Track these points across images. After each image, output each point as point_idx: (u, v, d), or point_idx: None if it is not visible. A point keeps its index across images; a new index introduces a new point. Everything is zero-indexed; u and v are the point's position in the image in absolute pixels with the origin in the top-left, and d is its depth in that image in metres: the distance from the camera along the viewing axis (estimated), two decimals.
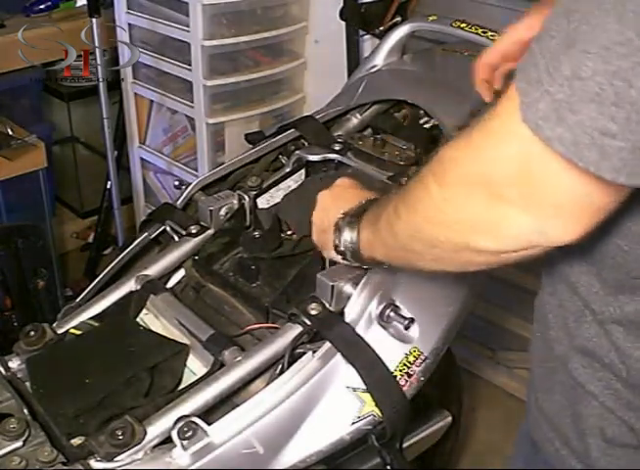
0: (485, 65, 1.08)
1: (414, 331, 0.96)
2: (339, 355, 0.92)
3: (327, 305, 0.96)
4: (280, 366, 0.92)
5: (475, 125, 0.62)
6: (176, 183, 1.30)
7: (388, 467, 0.97)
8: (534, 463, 0.88)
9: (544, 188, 0.58)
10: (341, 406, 0.91)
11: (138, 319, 1.04)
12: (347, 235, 0.87)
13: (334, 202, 0.94)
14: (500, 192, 0.60)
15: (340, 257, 0.91)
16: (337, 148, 1.27)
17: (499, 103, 0.60)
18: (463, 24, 1.34)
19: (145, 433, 0.84)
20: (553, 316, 0.81)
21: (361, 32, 1.86)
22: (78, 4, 2.22)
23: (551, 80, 0.53)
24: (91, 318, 1.04)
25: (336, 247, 0.89)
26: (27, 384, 0.94)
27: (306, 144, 1.31)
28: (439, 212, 0.67)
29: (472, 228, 0.64)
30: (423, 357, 0.96)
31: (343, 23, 1.83)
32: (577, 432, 0.79)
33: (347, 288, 0.96)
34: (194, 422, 0.84)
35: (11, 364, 0.96)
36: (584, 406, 0.78)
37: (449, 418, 1.37)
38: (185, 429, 0.83)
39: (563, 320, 0.79)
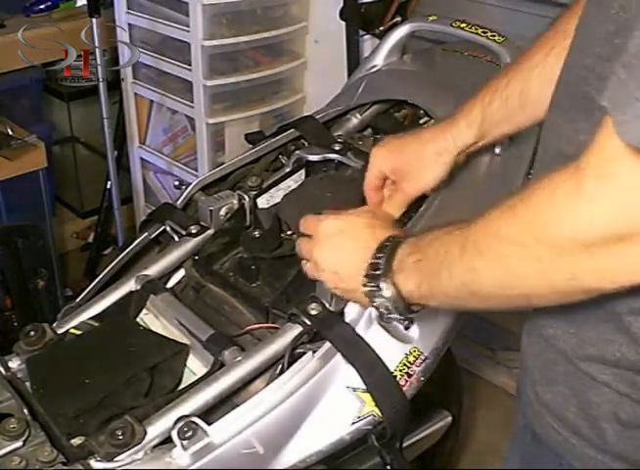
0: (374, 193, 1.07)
1: (414, 331, 0.96)
2: (339, 355, 0.92)
3: (327, 305, 0.96)
4: (280, 366, 0.92)
5: (577, 171, 0.58)
6: (176, 183, 1.30)
7: (388, 467, 0.97)
8: (537, 456, 0.87)
9: None
10: (341, 406, 0.91)
11: (138, 319, 1.04)
12: (387, 294, 0.79)
13: (338, 260, 0.86)
14: (627, 233, 0.56)
15: (385, 313, 0.83)
16: (337, 148, 1.27)
17: (601, 145, 0.56)
18: (463, 24, 1.34)
19: (145, 433, 0.84)
20: (550, 313, 0.80)
21: (361, 32, 1.86)
22: (78, 4, 2.22)
23: None
24: (91, 318, 1.04)
25: (376, 306, 0.82)
26: (27, 384, 0.94)
27: (306, 144, 1.31)
28: (549, 272, 0.63)
29: (593, 277, 0.61)
30: (423, 357, 0.96)
31: (343, 23, 1.83)
32: (588, 419, 0.77)
33: None
34: (194, 422, 0.84)
35: (11, 364, 0.96)
36: (594, 394, 0.76)
37: (449, 418, 1.37)
38: (185, 429, 0.83)
39: (563, 316, 0.78)
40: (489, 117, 0.98)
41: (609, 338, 0.74)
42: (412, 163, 1.03)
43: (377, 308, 0.82)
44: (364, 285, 0.81)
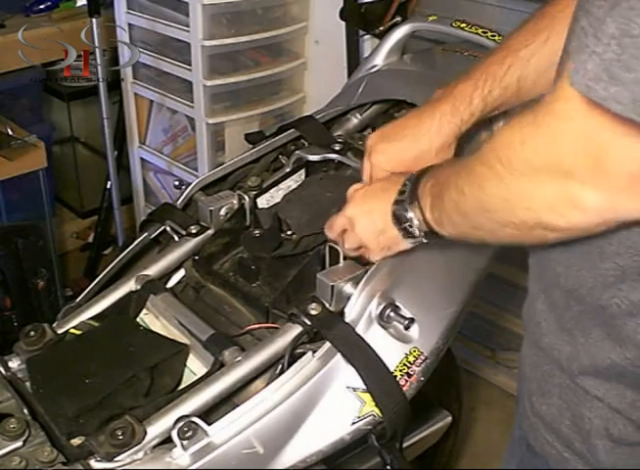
0: None
1: (414, 331, 0.97)
2: (339, 355, 0.92)
3: (327, 305, 0.96)
4: (280, 366, 0.92)
5: (535, 107, 0.63)
6: (176, 183, 1.30)
7: (388, 467, 0.97)
8: (532, 467, 0.87)
9: (610, 158, 0.57)
10: (341, 406, 0.91)
11: (138, 319, 1.04)
12: (415, 219, 0.85)
13: (369, 202, 0.92)
14: (569, 170, 0.60)
15: (414, 242, 0.89)
16: (337, 148, 1.27)
17: (557, 84, 0.60)
18: (463, 24, 1.34)
19: (145, 433, 0.84)
20: (546, 323, 0.81)
21: (361, 32, 1.86)
22: (78, 4, 2.22)
23: (597, 41, 0.53)
24: (91, 318, 1.04)
25: (409, 235, 0.87)
26: (27, 384, 0.94)
27: (306, 144, 1.31)
28: (510, 196, 0.67)
29: (544, 209, 0.65)
30: (423, 357, 0.96)
31: (343, 23, 1.83)
32: (580, 434, 0.78)
33: (347, 288, 0.96)
34: (194, 422, 0.84)
35: (11, 364, 0.96)
36: (587, 409, 0.77)
37: (449, 418, 1.37)
38: (185, 429, 0.83)
39: (558, 326, 0.79)
40: (489, 105, 0.99)
41: (599, 343, 0.74)
42: (416, 157, 1.01)
43: (408, 236, 0.87)
44: (393, 213, 0.87)
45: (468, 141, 1.08)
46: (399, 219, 0.87)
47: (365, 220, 0.93)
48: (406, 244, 0.90)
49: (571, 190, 0.61)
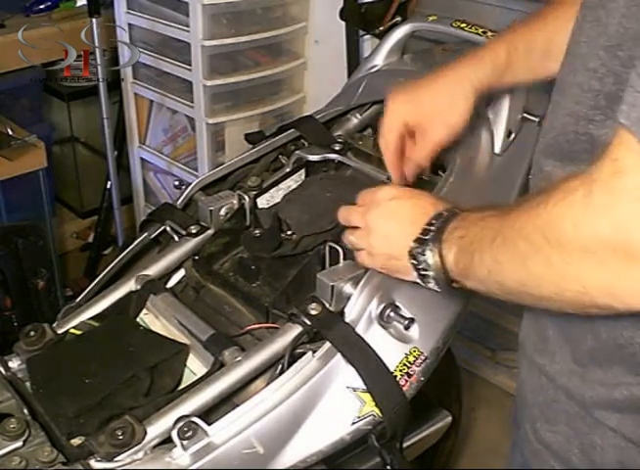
0: (394, 147, 1.03)
1: (414, 331, 0.96)
2: (339, 355, 0.92)
3: (327, 305, 0.96)
4: (280, 366, 0.92)
5: (588, 181, 0.58)
6: (176, 183, 1.30)
7: (388, 467, 0.97)
8: None
9: None
10: (341, 406, 0.91)
11: (138, 319, 1.04)
12: (432, 265, 0.79)
13: (392, 224, 0.85)
14: (633, 251, 0.55)
15: (423, 282, 0.82)
16: (337, 148, 1.27)
17: (613, 158, 0.56)
18: (463, 24, 1.34)
19: (145, 433, 0.84)
20: (561, 353, 0.78)
21: (361, 32, 1.86)
22: (78, 4, 2.22)
23: None
24: (91, 318, 1.04)
25: (421, 275, 0.81)
26: (27, 384, 0.94)
27: (306, 144, 1.31)
28: (559, 279, 0.62)
29: (600, 294, 0.59)
30: (423, 357, 0.96)
31: (343, 23, 1.83)
32: (591, 464, 0.74)
33: (347, 288, 0.96)
34: (194, 422, 0.84)
35: (11, 364, 0.96)
36: (598, 437, 0.73)
37: (449, 418, 1.37)
38: (185, 429, 0.83)
39: (572, 359, 0.76)
40: (514, 62, 0.96)
41: (619, 378, 0.71)
42: (436, 106, 0.98)
43: (420, 277, 0.81)
44: (410, 251, 0.80)
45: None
46: (416, 259, 0.80)
47: (382, 239, 0.87)
48: (412, 278, 0.84)
49: (632, 274, 0.56)
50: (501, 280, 0.70)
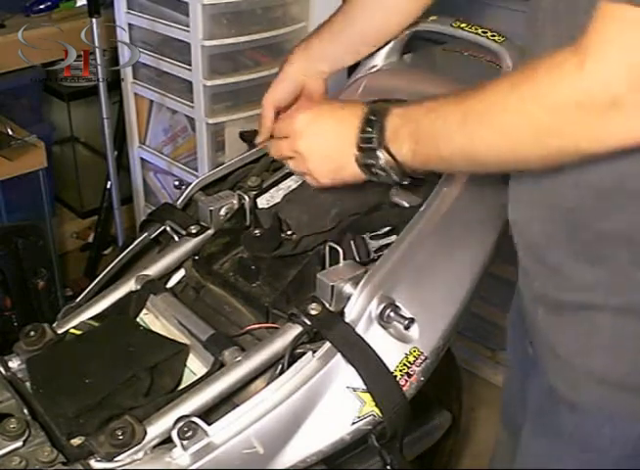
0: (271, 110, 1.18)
1: (414, 331, 0.96)
2: (339, 355, 0.92)
3: (327, 305, 0.96)
4: (280, 366, 0.92)
5: (578, 51, 0.66)
6: (176, 183, 1.30)
7: (388, 467, 0.97)
8: (579, 428, 0.87)
9: None
10: (341, 406, 0.91)
11: (138, 319, 1.04)
12: (383, 162, 0.86)
13: (324, 140, 0.92)
14: (615, 102, 0.65)
15: (378, 179, 0.91)
16: None
17: (598, 29, 0.65)
18: (463, 25, 1.34)
19: (145, 433, 0.84)
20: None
21: None
22: (78, 4, 2.22)
23: None
24: (91, 318, 1.04)
25: (376, 176, 0.89)
26: (27, 384, 0.94)
27: None
28: (548, 138, 0.70)
29: (589, 141, 0.69)
30: (423, 357, 0.96)
31: None
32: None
33: (347, 288, 0.96)
34: (194, 422, 0.84)
35: (11, 364, 0.96)
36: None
37: (449, 418, 1.37)
38: (185, 429, 0.83)
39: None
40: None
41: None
42: None
43: (374, 176, 0.90)
44: (358, 159, 0.88)
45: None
46: (366, 165, 0.88)
47: (321, 160, 0.93)
48: (365, 179, 0.92)
49: (616, 120, 0.66)
50: (475, 155, 0.78)
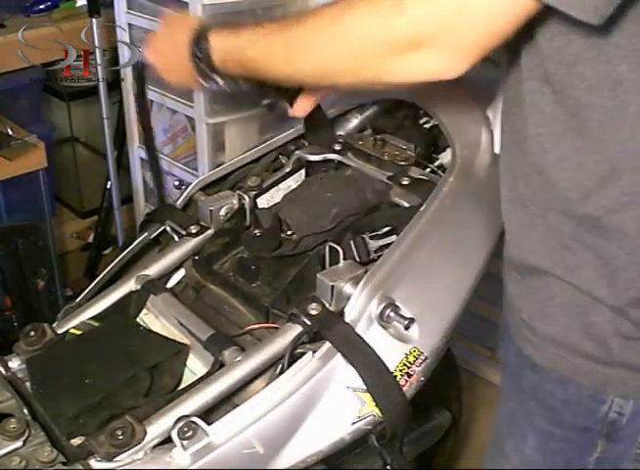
0: None
1: (414, 331, 0.96)
2: (339, 355, 0.92)
3: (327, 305, 0.96)
4: (280, 366, 0.92)
5: None
6: (176, 183, 1.30)
7: (388, 467, 0.97)
8: (540, 388, 0.91)
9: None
10: (341, 406, 0.91)
11: (138, 319, 1.04)
12: (215, 80, 0.98)
13: (170, 49, 1.02)
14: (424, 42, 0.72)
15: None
16: (337, 148, 1.27)
17: None
18: None
19: (145, 433, 0.84)
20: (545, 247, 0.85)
21: None
22: (78, 4, 2.22)
23: None
24: (91, 318, 1.04)
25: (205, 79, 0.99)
26: (27, 384, 0.94)
27: (306, 144, 1.31)
28: (359, 65, 0.78)
29: (385, 72, 0.77)
30: (423, 357, 0.96)
31: None
32: (593, 339, 0.83)
33: (347, 288, 0.96)
34: (194, 422, 0.84)
35: (11, 364, 0.96)
36: (595, 316, 0.82)
37: (449, 418, 1.37)
38: (185, 429, 0.83)
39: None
40: None
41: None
42: None
43: (206, 81, 0.99)
44: (195, 70, 0.98)
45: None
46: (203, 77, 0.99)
47: (165, 61, 1.07)
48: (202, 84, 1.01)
49: (419, 56, 0.73)
50: (298, 78, 0.90)
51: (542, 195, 0.83)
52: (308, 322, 0.93)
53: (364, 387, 0.91)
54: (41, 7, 2.19)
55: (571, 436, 0.90)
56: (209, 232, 1.14)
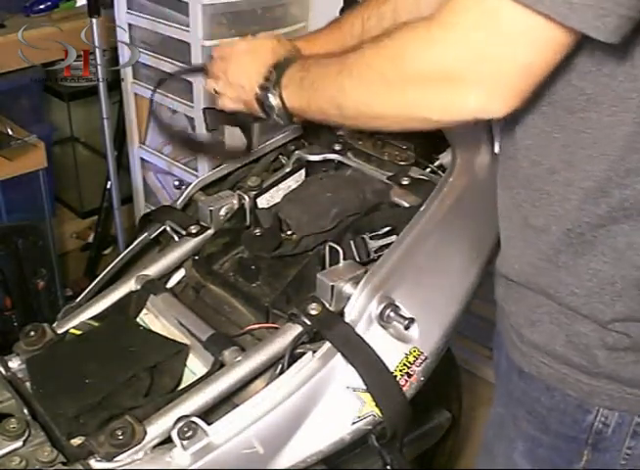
0: None
1: (414, 331, 0.96)
2: (339, 355, 0.92)
3: (327, 305, 0.96)
4: (280, 366, 0.92)
5: (428, 19, 0.72)
6: (176, 183, 1.30)
7: (388, 467, 0.97)
8: (527, 394, 0.92)
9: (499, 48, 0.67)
10: (341, 406, 0.91)
11: (138, 319, 1.04)
12: (274, 103, 0.97)
13: (245, 73, 1.03)
14: (459, 75, 0.70)
15: (269, 117, 1.01)
16: (337, 148, 1.27)
17: (452, 2, 0.70)
18: None
19: (145, 433, 0.84)
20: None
21: None
22: (78, 4, 2.22)
23: None
24: (91, 318, 1.04)
25: (266, 112, 1.00)
26: (27, 384, 0.94)
27: (306, 144, 1.31)
28: (394, 99, 0.78)
29: (428, 108, 0.76)
30: (423, 357, 0.96)
31: None
32: (578, 349, 0.83)
33: (347, 288, 0.96)
34: (194, 422, 0.84)
35: (11, 364, 0.96)
36: (581, 326, 0.82)
37: (449, 418, 1.37)
38: (185, 429, 0.83)
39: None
40: (366, 31, 1.10)
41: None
42: None
43: (266, 114, 1.01)
44: (256, 94, 1.00)
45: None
46: (262, 102, 0.99)
47: (231, 86, 1.06)
48: (261, 114, 1.03)
49: (449, 93, 0.72)
50: (343, 103, 0.86)
51: (527, 207, 0.83)
52: (308, 322, 0.93)
53: (364, 387, 0.91)
54: (41, 7, 2.19)
55: (559, 444, 0.90)
56: (209, 232, 1.14)
